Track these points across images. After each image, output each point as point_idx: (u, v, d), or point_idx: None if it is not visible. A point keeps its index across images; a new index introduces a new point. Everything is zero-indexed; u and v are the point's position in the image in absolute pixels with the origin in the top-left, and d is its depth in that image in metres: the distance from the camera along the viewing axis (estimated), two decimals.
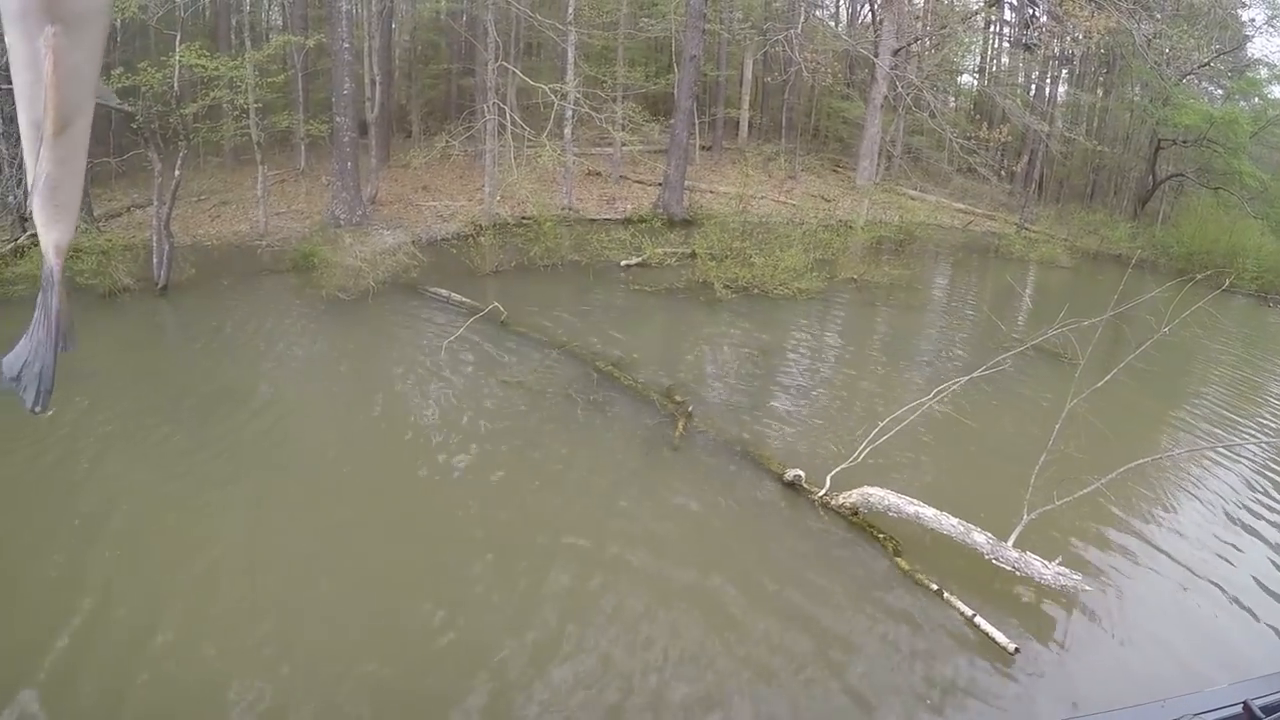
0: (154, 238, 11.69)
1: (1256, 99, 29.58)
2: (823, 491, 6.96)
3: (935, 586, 6.01)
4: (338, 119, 15.54)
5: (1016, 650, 5.48)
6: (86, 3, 0.96)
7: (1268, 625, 6.48)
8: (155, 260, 11.60)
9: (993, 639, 5.57)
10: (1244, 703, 3.65)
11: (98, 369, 8.46)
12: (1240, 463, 9.73)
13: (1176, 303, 7.66)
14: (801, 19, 21.16)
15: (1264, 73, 30.46)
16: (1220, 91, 30.69)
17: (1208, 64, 29.20)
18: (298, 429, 7.91)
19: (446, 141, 15.49)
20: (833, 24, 31.44)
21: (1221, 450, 9.44)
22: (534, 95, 16.86)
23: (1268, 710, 3.59)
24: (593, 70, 19.47)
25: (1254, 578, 7.18)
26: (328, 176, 17.06)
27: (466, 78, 23.88)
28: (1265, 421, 12.37)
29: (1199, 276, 8.56)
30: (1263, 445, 10.08)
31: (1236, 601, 6.70)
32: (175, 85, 12.80)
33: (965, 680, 5.30)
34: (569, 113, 17.05)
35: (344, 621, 5.20)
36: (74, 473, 6.75)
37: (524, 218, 14.51)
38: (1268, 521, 8.41)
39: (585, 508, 6.60)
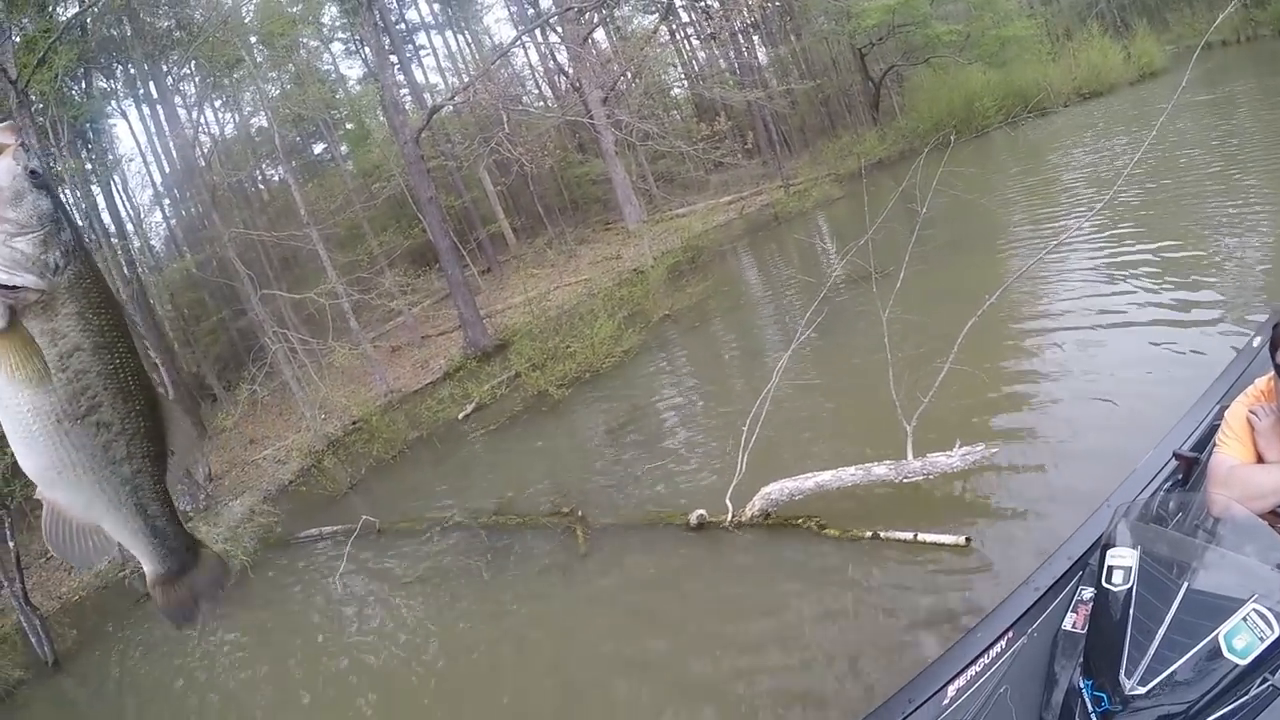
0: (20, 618, 10.97)
1: None
2: (729, 516, 6.97)
3: (869, 534, 6.10)
4: None
5: (969, 540, 5.64)
6: None
7: (1162, 379, 6.98)
8: (34, 639, 10.84)
9: (943, 544, 5.73)
10: (1173, 453, 3.88)
11: None
12: (1057, 268, 10.60)
13: (931, 177, 8.04)
14: (505, 118, 21.55)
15: None
16: None
17: None
18: None
19: (248, 389, 15.13)
20: (540, 104, 32.30)
21: (1026, 271, 9.82)
22: (308, 304, 16.69)
23: (1196, 447, 3.86)
24: (348, 254, 19.44)
25: (1126, 349, 7.90)
26: None
27: (241, 318, 23.34)
28: (1054, 224, 13.23)
29: (929, 146, 8.94)
30: (1056, 248, 10.37)
31: (1131, 374, 7.26)
32: None
33: (940, 590, 5.43)
34: (345, 305, 16.90)
35: None
36: None
37: (353, 423, 14.15)
38: (1108, 298, 9.27)
39: (534, 658, 6.42)
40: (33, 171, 1.21)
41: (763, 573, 6.40)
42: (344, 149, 27.30)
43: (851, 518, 6.44)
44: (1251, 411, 3.08)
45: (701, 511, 7.12)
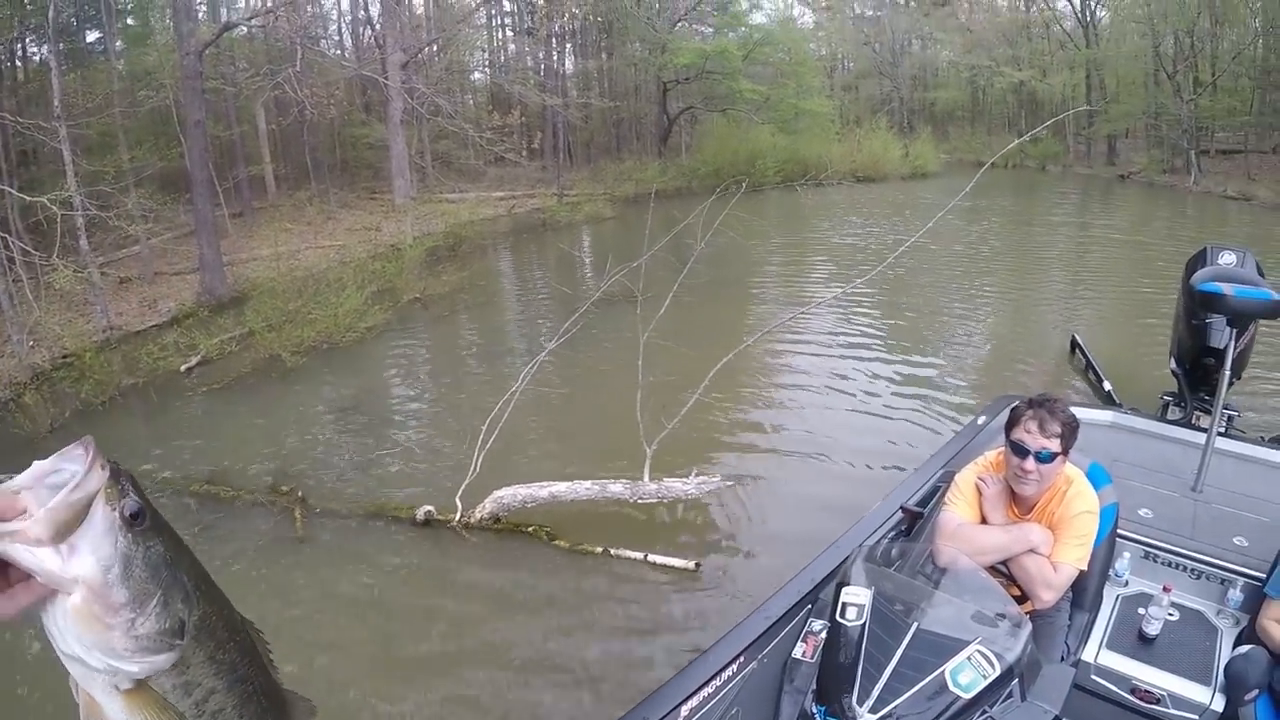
0: None
1: (742, 28, 33.99)
2: (458, 515, 6.87)
3: (600, 549, 6.26)
4: None
5: (698, 565, 6.02)
6: None
7: (889, 441, 7.99)
8: None
9: (672, 567, 6.02)
10: (901, 507, 4.30)
11: None
12: (810, 324, 11.86)
13: (711, 218, 8.29)
14: (299, 54, 20.25)
15: (744, 4, 37.28)
16: (710, 29, 34.92)
17: (694, 8, 33.41)
18: None
19: None
20: (337, 52, 30.84)
21: (788, 321, 10.70)
22: (38, 211, 14.77)
23: (921, 503, 4.32)
24: (95, 163, 17.42)
25: (861, 408, 8.95)
26: None
27: None
28: (816, 282, 14.31)
29: (718, 190, 9.25)
30: (818, 307, 12.00)
31: (861, 437, 8.19)
32: None
33: (667, 612, 5.68)
34: (79, 220, 15.11)
35: None
36: None
37: (64, 356, 12.59)
38: (851, 360, 10.58)
39: None
40: (134, 516, 0.93)
41: (488, 577, 6.33)
42: (119, 45, 24.71)
43: (583, 532, 6.54)
44: (980, 479, 3.47)
45: (429, 508, 6.95)
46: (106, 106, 19.59)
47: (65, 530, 0.87)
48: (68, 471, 0.89)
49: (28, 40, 22.98)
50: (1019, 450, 3.20)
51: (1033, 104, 42.31)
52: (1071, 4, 38.83)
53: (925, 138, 39.16)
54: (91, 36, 25.60)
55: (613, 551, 6.22)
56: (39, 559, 0.85)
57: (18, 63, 24.08)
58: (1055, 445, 3.15)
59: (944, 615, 2.90)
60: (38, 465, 0.89)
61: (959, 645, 2.76)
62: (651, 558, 6.09)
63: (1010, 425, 3.27)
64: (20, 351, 12.93)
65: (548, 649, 5.43)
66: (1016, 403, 3.35)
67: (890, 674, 2.72)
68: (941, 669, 2.70)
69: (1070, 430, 3.19)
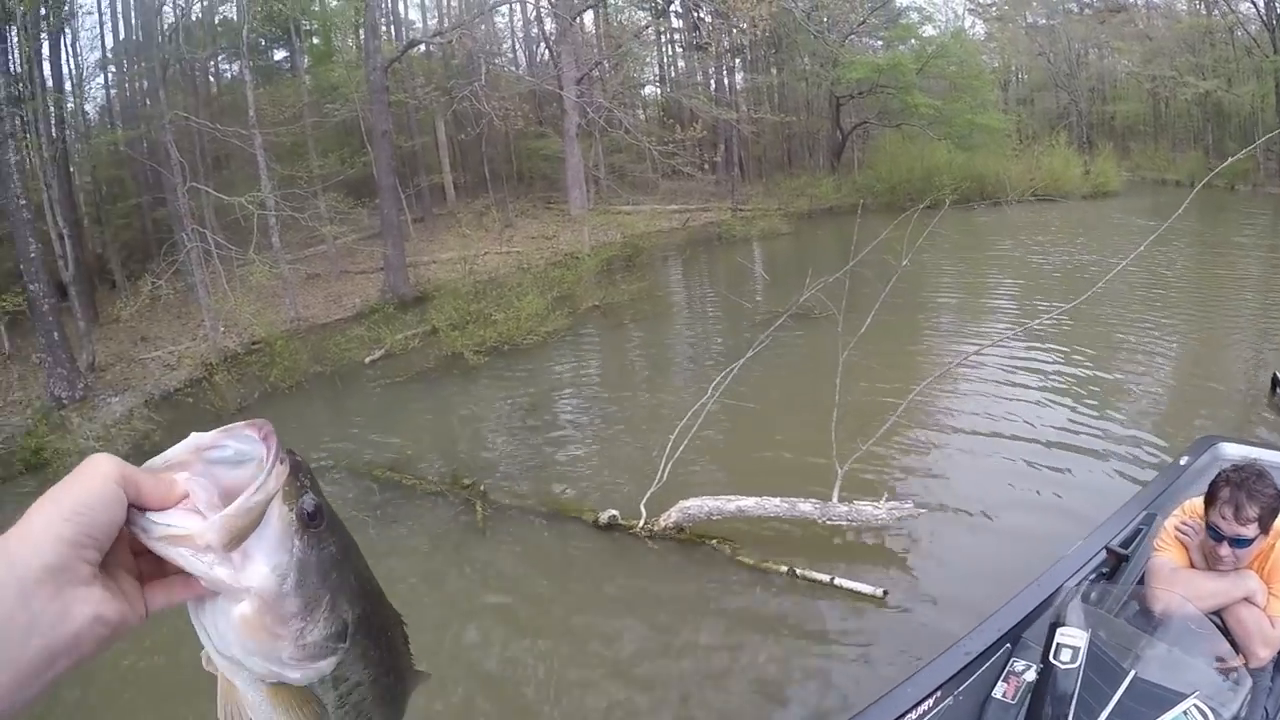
0: None
1: (913, 41, 33.22)
2: (642, 521, 6.74)
3: (785, 568, 5.99)
4: (31, 287, 13.52)
5: (885, 593, 5.63)
6: None
7: (1085, 478, 7.35)
8: None
9: (859, 592, 5.68)
10: (1105, 547, 3.97)
11: None
12: (999, 354, 10.95)
13: (910, 233, 7.94)
14: (484, 69, 20.99)
15: (915, 16, 36.92)
16: (881, 43, 34.63)
17: (864, 21, 33.12)
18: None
19: (152, 283, 14.11)
20: (513, 69, 31.83)
21: (984, 350, 10.22)
22: (233, 210, 15.76)
23: (1124, 544, 4.01)
24: (286, 169, 18.50)
25: (1052, 442, 8.14)
26: (38, 354, 15.01)
27: (159, 209, 21.82)
28: (1003, 312, 13.75)
29: (920, 206, 8.89)
30: (1012, 336, 11.23)
31: (1051, 469, 7.56)
32: None
33: (853, 639, 5.40)
34: (272, 220, 16.04)
35: None
36: None
37: (254, 343, 13.33)
38: (1037, 389, 9.85)
39: (421, 623, 5.98)
40: (311, 516, 0.84)
41: (669, 587, 6.20)
42: (305, 61, 26.24)
43: (764, 548, 6.33)
44: (1179, 529, 3.29)
45: (614, 512, 6.87)
46: (296, 118, 20.71)
47: (240, 537, 0.78)
48: (231, 449, 0.79)
49: (219, 59, 24.69)
50: (1214, 534, 3.01)
51: (1219, 116, 38.82)
52: (1255, 6, 35.46)
53: (1106, 154, 36.45)
54: (278, 55, 27.44)
55: (798, 572, 5.93)
56: (208, 566, 0.77)
57: (210, 78, 25.94)
58: (1251, 531, 2.92)
59: (1163, 664, 2.75)
60: (195, 437, 0.79)
61: (1177, 698, 2.60)
62: (839, 581, 5.78)
63: (1208, 500, 3.04)
64: (213, 336, 13.78)
65: (728, 662, 5.28)
66: (1219, 445, 3.42)
67: None
68: None
69: (1271, 511, 2.93)
